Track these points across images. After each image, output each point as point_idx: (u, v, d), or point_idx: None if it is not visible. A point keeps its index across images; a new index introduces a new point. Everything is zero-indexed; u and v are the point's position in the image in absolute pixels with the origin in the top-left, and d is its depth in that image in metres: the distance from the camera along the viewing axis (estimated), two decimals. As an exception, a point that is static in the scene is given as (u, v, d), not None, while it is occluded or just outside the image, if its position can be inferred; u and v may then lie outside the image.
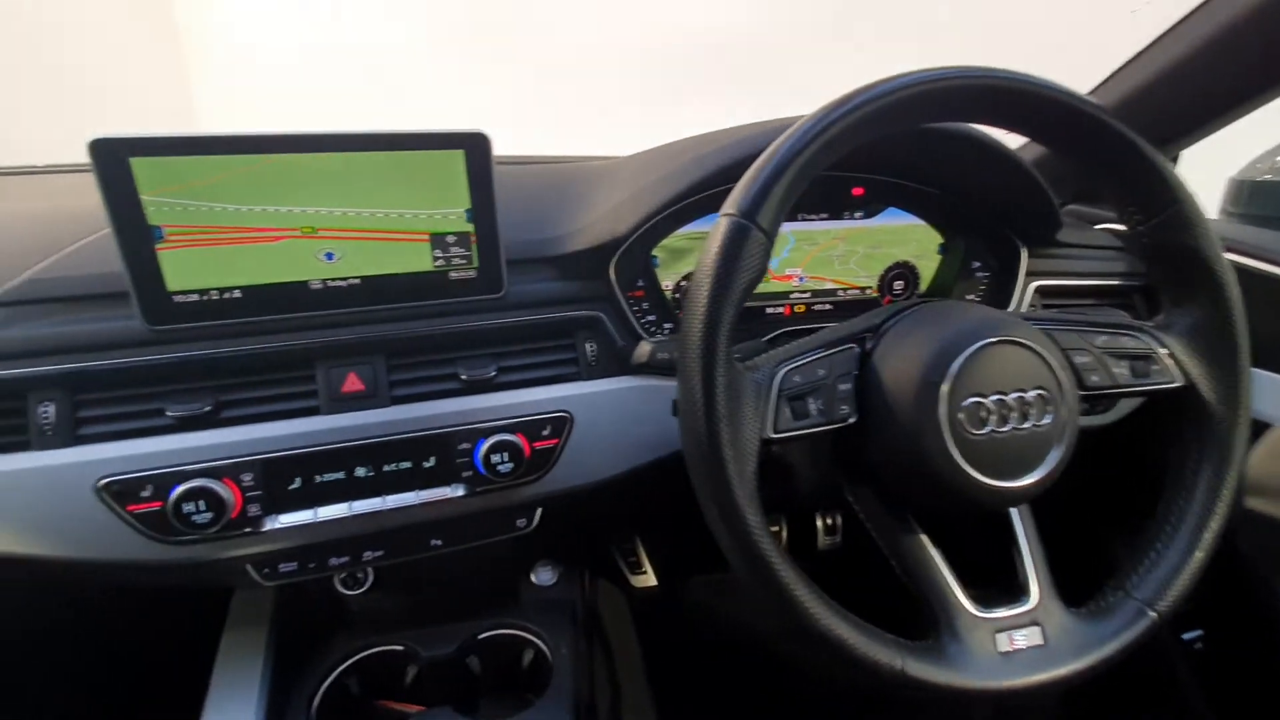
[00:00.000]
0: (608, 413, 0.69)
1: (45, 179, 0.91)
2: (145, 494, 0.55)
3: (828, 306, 0.83)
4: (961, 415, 0.48)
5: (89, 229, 0.61)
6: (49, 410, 0.54)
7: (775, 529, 1.42)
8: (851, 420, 0.51)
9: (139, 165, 0.51)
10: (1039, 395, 0.50)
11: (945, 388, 0.48)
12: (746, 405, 0.47)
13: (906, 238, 0.84)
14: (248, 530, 0.59)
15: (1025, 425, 0.50)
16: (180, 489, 0.55)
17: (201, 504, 0.56)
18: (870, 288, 0.84)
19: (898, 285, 0.85)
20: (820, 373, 0.51)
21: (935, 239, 0.84)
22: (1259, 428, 0.68)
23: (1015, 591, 0.55)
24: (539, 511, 0.73)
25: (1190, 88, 0.76)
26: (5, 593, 0.91)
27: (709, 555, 1.44)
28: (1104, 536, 1.11)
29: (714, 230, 0.47)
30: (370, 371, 0.62)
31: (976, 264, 0.83)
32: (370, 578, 0.78)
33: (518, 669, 0.76)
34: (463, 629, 0.75)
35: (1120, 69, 0.83)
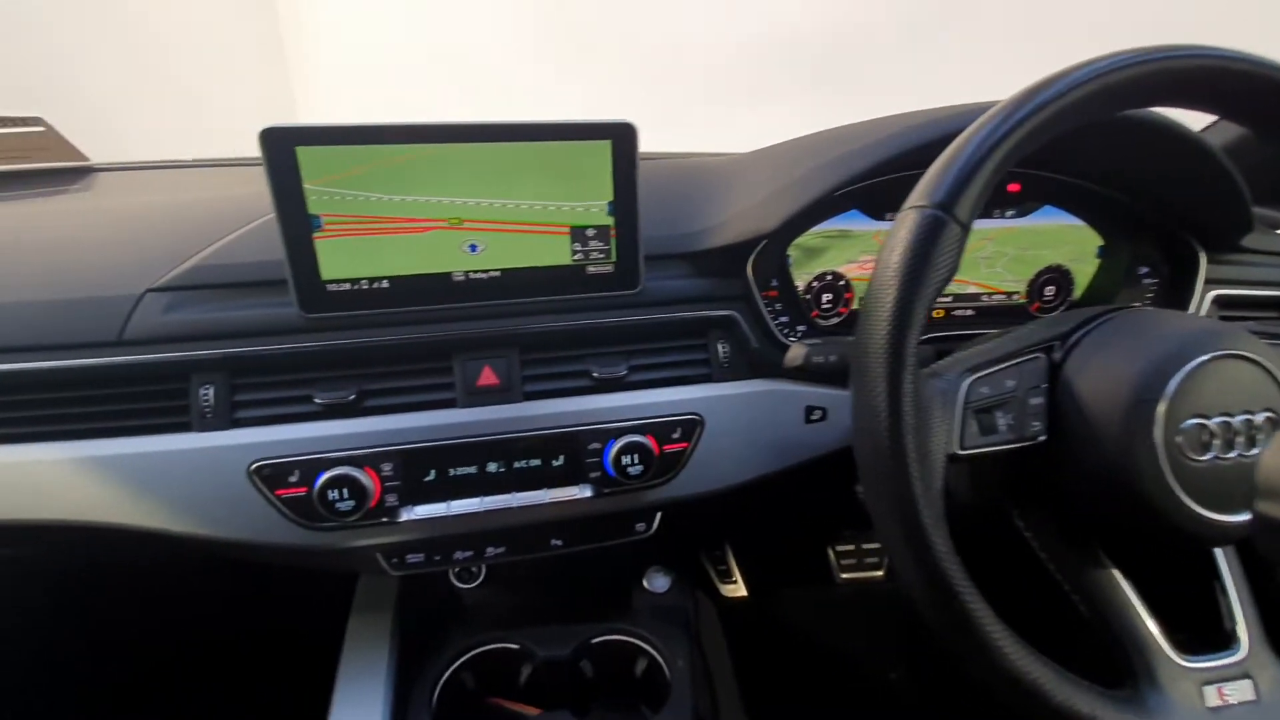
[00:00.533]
0: (738, 416, 0.66)
1: (185, 173, 0.96)
2: (293, 479, 0.56)
3: (969, 312, 0.77)
4: (1180, 439, 0.43)
5: (244, 219, 0.63)
6: (209, 393, 0.56)
7: (876, 546, 1.36)
8: (1041, 439, 0.46)
9: (304, 154, 0.51)
10: (1268, 418, 0.43)
11: (1162, 407, 0.42)
12: (934, 417, 0.43)
13: (1062, 239, 0.77)
14: (384, 520, 0.59)
15: (1252, 453, 0.43)
16: (326, 476, 0.56)
17: (345, 491, 0.56)
18: (1018, 293, 0.78)
19: (1048, 291, 0.78)
20: (1009, 384, 0.46)
21: (1094, 241, 0.77)
22: None
23: (1221, 639, 0.48)
24: (658, 516, 0.71)
25: None
26: (142, 570, 0.97)
27: (801, 567, 1.38)
28: None
29: (900, 223, 0.43)
30: (505, 366, 0.61)
31: (1143, 269, 0.75)
32: (483, 572, 0.78)
33: (630, 676, 0.74)
34: (577, 632, 0.73)
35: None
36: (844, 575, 1.33)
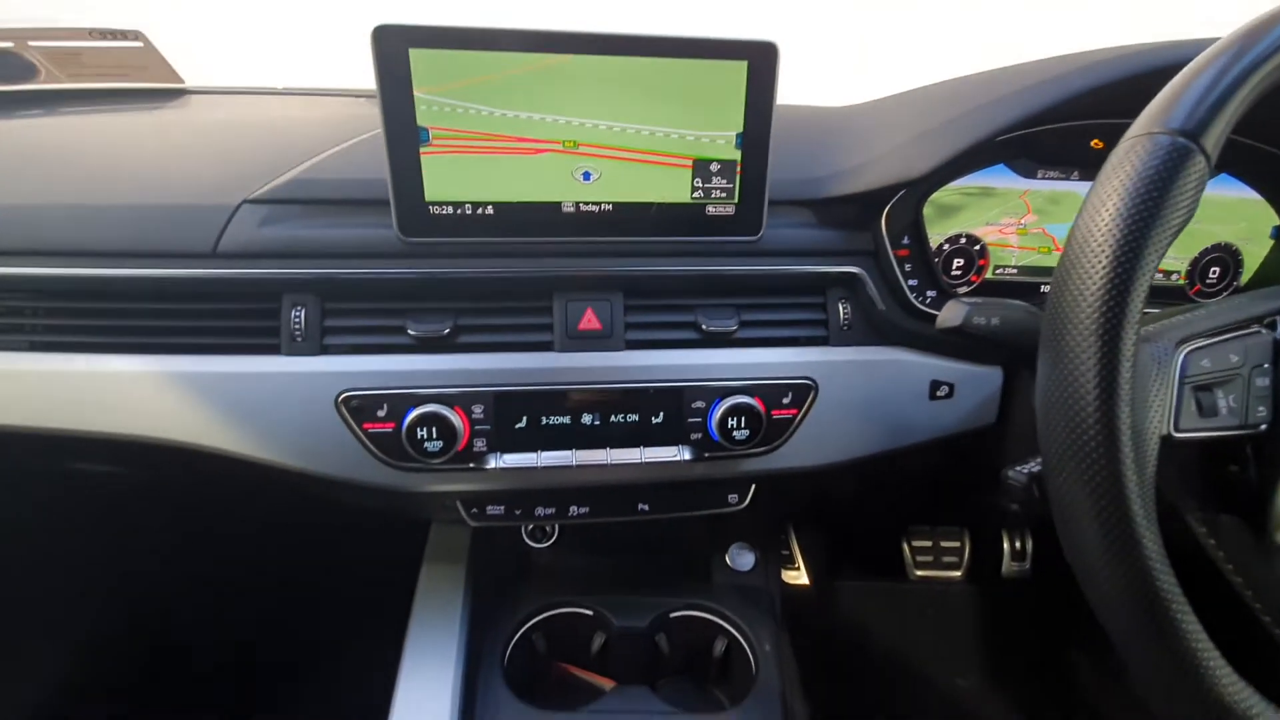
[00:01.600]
0: (855, 385, 0.60)
1: (282, 99, 0.94)
2: (381, 414, 0.53)
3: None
4: None
5: (345, 137, 0.59)
6: (300, 315, 0.53)
7: (956, 544, 1.28)
8: (1263, 428, 0.38)
9: (417, 58, 0.47)
10: None
11: None
12: (1150, 390, 0.36)
13: (1233, 214, 0.67)
14: (471, 465, 0.55)
15: None
16: (415, 413, 0.52)
17: (433, 430, 0.52)
18: (1178, 273, 0.68)
19: (1213, 273, 0.68)
20: (1233, 359, 0.38)
21: (1270, 219, 0.67)
22: None
23: None
24: (753, 489, 0.65)
25: None
26: (221, 510, 0.97)
27: (870, 559, 1.30)
28: None
29: (1127, 153, 0.35)
30: (608, 310, 0.56)
31: (1336, 253, 0.65)
32: (556, 532, 0.74)
33: (707, 656, 0.69)
34: (655, 604, 0.69)
35: None
36: (919, 573, 1.25)
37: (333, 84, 0.89)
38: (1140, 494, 0.33)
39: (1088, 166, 0.62)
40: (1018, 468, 0.49)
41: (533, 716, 0.58)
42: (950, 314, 0.50)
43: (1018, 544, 1.25)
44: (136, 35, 0.83)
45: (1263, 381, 0.38)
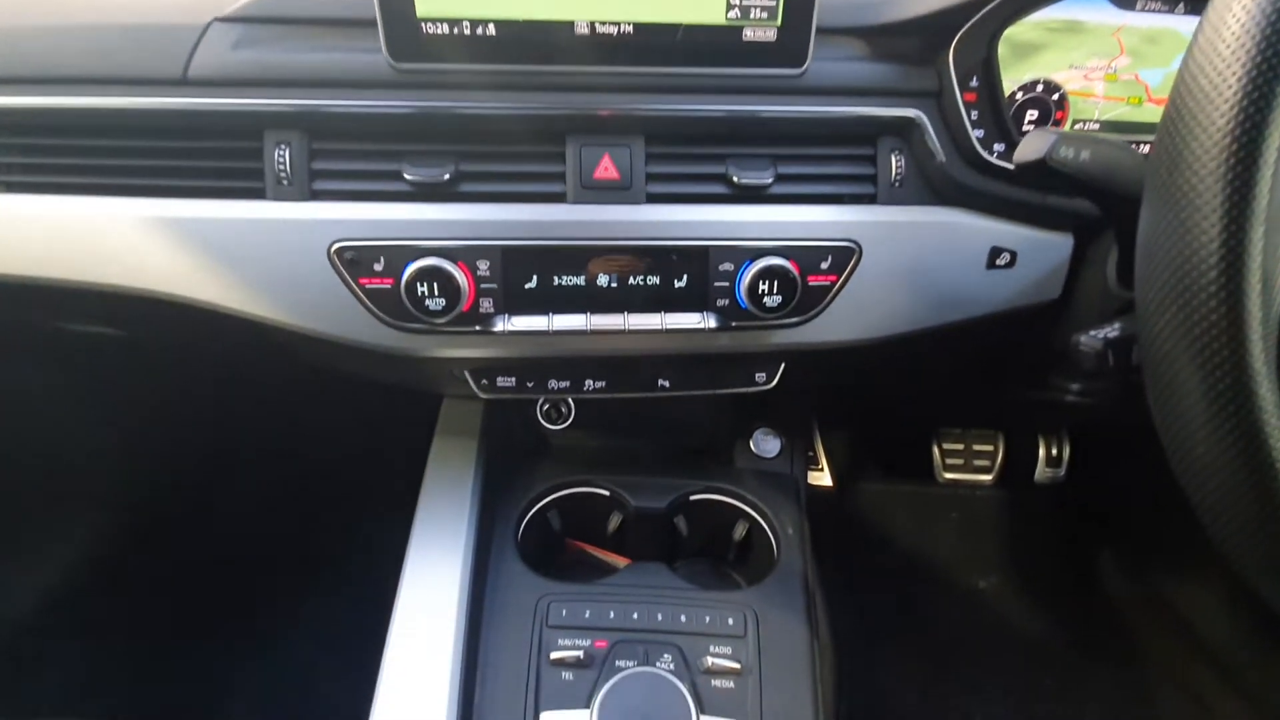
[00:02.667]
0: (904, 250, 0.53)
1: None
2: (378, 267, 0.48)
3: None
4: None
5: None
6: (285, 155, 0.47)
7: (988, 448, 1.23)
8: None
9: None
10: None
11: None
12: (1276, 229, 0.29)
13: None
14: (478, 328, 0.51)
15: None
16: (414, 266, 0.47)
17: (435, 287, 0.48)
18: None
19: None
20: None
21: None
22: None
23: None
24: (782, 368, 0.61)
25: None
26: (228, 379, 0.96)
27: (897, 460, 1.26)
28: None
29: None
30: (627, 156, 0.50)
31: None
32: (572, 413, 0.70)
33: (726, 539, 0.67)
34: (674, 485, 0.66)
35: None
36: (948, 475, 1.22)
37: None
38: (1266, 361, 0.27)
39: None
40: (1091, 332, 0.43)
41: (546, 587, 0.56)
42: (1033, 144, 0.42)
43: (1054, 450, 1.20)
44: None
45: None
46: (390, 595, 0.56)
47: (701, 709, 0.48)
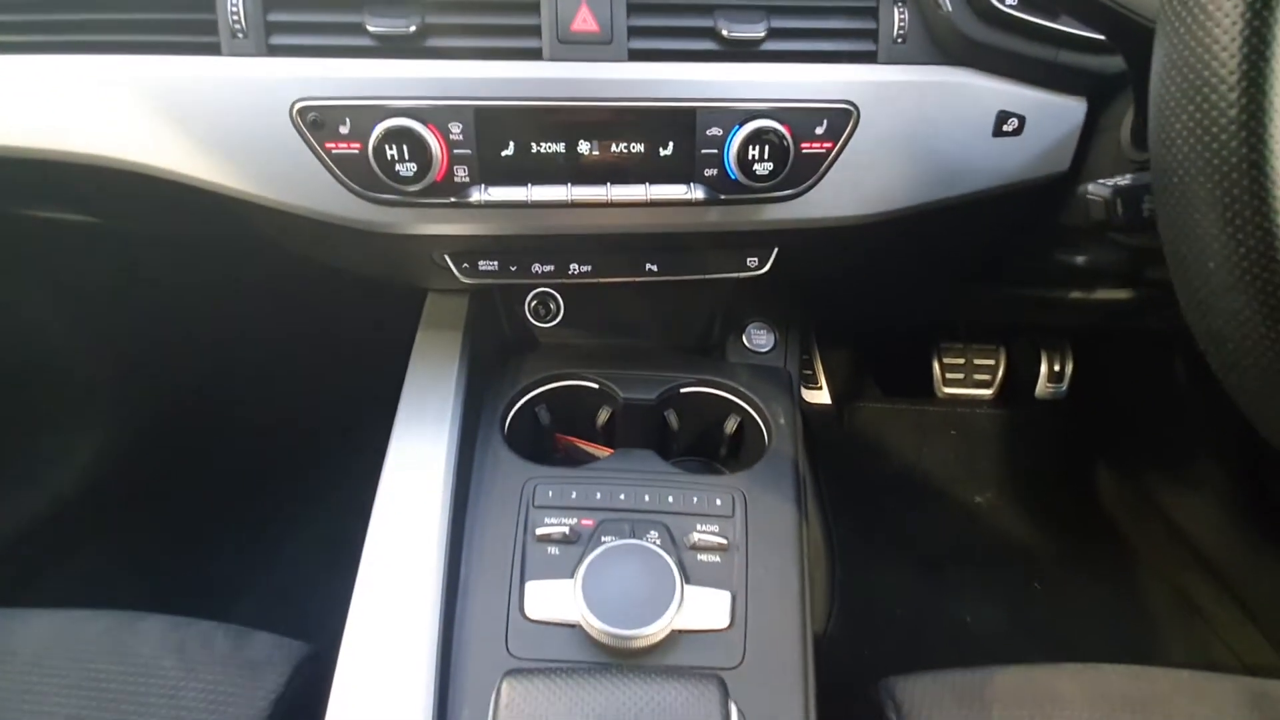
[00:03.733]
0: (906, 114, 0.50)
1: None
2: (344, 130, 0.45)
3: None
4: None
5: None
6: (237, 3, 0.44)
7: (990, 362, 1.22)
8: None
9: None
10: None
11: None
12: None
13: None
14: (453, 199, 0.48)
15: None
16: (381, 127, 0.45)
17: (405, 150, 0.45)
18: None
19: None
20: None
21: None
22: None
23: None
24: (776, 252, 0.58)
25: None
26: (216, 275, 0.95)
27: (896, 376, 1.25)
28: None
29: None
30: (607, 7, 0.46)
31: None
32: (561, 310, 0.69)
33: (717, 434, 0.66)
34: (664, 379, 0.65)
35: None
36: (947, 390, 1.21)
37: None
38: None
39: None
40: (1100, 180, 0.40)
41: (532, 471, 0.56)
42: None
43: (1056, 366, 1.18)
44: None
45: None
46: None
47: (687, 580, 0.48)
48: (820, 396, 1.25)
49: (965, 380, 1.20)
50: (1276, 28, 0.24)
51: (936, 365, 1.20)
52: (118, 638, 0.56)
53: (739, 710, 0.38)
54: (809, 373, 1.25)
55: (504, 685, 0.32)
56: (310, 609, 0.70)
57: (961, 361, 1.20)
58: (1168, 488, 1.11)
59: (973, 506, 1.19)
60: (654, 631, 0.44)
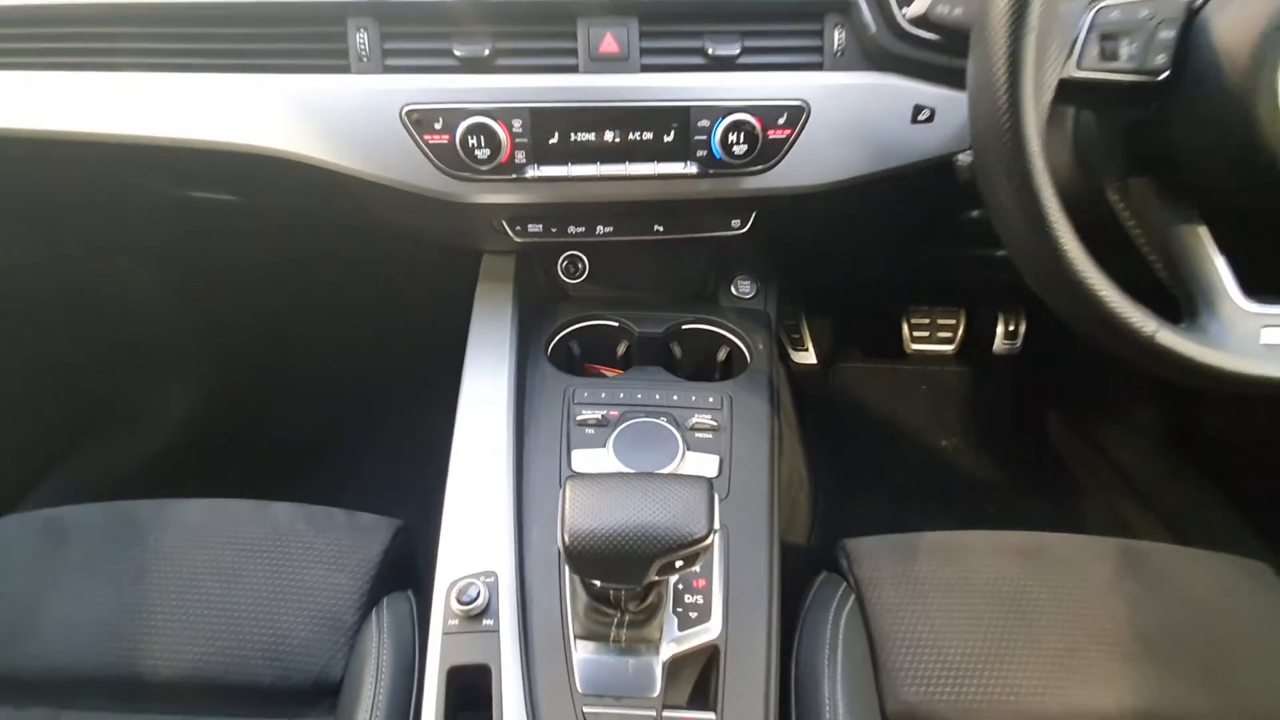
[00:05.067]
0: (845, 108, 0.67)
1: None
2: (438, 126, 0.63)
3: None
4: None
5: None
6: (364, 37, 0.62)
7: (952, 321, 1.39)
8: (1162, 75, 0.46)
9: None
10: None
11: None
12: (1054, 35, 0.44)
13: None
14: (513, 176, 0.66)
15: None
16: (465, 124, 0.63)
17: (482, 139, 0.63)
18: None
19: None
20: (1143, 13, 0.45)
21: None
22: None
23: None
24: (754, 215, 0.76)
25: None
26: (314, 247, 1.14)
27: (872, 338, 1.45)
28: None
29: None
30: (625, 34, 0.64)
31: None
32: (587, 269, 0.86)
33: (712, 362, 0.84)
34: (670, 317, 0.83)
35: None
36: (914, 347, 1.39)
37: None
38: (1034, 117, 0.43)
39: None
40: (966, 150, 0.58)
41: (571, 380, 0.74)
42: (919, 4, 0.56)
43: (1010, 325, 1.36)
44: None
45: (1167, 34, 0.45)
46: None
47: (688, 447, 0.66)
48: (808, 358, 1.43)
49: (930, 338, 1.38)
50: (1025, 53, 0.42)
51: (905, 326, 1.38)
52: (258, 513, 0.75)
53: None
54: (797, 336, 1.43)
55: (567, 486, 0.50)
56: (396, 500, 0.88)
57: (927, 322, 1.38)
58: (1106, 428, 1.29)
59: (939, 449, 1.37)
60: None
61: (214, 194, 0.79)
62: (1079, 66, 0.45)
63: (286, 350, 1.35)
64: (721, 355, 0.84)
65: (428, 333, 1.01)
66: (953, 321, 1.38)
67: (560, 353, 0.83)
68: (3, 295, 1.01)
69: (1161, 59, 0.46)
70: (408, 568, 0.76)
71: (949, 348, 1.38)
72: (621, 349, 0.84)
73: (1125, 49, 0.45)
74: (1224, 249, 0.50)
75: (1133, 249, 0.54)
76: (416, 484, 0.84)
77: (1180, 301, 0.51)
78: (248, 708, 0.64)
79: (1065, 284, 0.46)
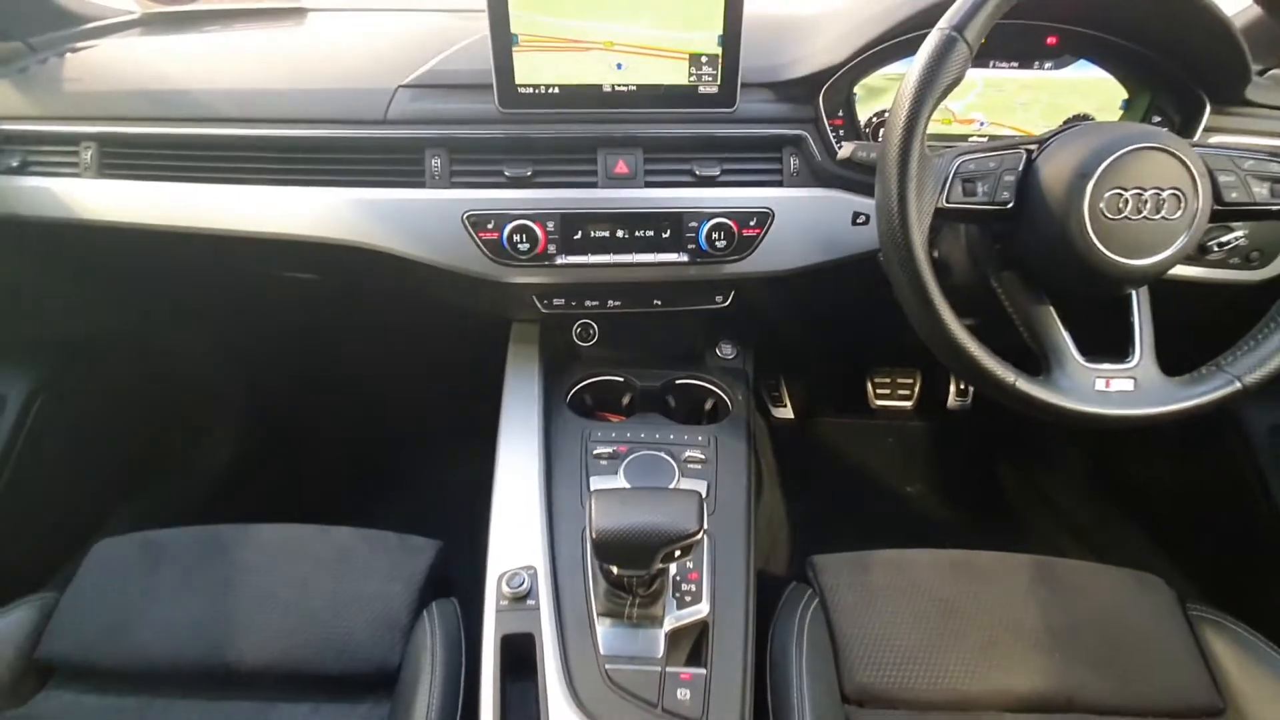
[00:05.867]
0: (801, 214, 0.88)
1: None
2: (490, 226, 0.83)
3: (1001, 151, 0.94)
4: (1102, 204, 0.62)
5: (452, 41, 0.87)
6: (437, 162, 0.83)
7: (910, 380, 1.59)
8: (1009, 205, 0.67)
9: (512, -13, 0.74)
10: (1174, 194, 0.62)
11: (1091, 180, 0.62)
12: (929, 179, 0.64)
13: (1091, 91, 0.91)
14: (545, 263, 0.86)
15: (1156, 216, 0.63)
16: (511, 225, 0.82)
17: (523, 236, 0.83)
18: (1046, 136, 0.94)
19: None
20: (991, 165, 0.66)
21: (1120, 94, 0.91)
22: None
23: (1120, 354, 0.69)
24: (733, 293, 0.96)
25: None
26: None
27: (841, 395, 1.65)
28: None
29: (927, 41, 0.62)
30: (633, 160, 0.85)
31: (1157, 118, 0.90)
32: (597, 335, 1.05)
33: (700, 410, 1.02)
34: (666, 374, 1.01)
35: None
36: (878, 403, 1.57)
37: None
38: (919, 228, 0.62)
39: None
40: None
41: (588, 425, 0.91)
42: (845, 151, 0.78)
43: (961, 384, 1.56)
44: (276, -31, 1.10)
45: (1010, 177, 0.66)
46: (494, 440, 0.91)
47: (682, 475, 0.83)
48: (786, 414, 1.61)
49: (891, 395, 1.57)
50: (909, 191, 0.62)
51: (870, 386, 1.57)
52: (322, 536, 0.90)
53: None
54: (776, 394, 1.62)
55: (594, 497, 0.66)
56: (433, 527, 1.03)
57: (888, 381, 1.57)
58: (1044, 473, 1.47)
59: (903, 493, 1.53)
60: (664, 500, 0.79)
61: (301, 274, 0.98)
62: (947, 200, 0.65)
63: (324, 405, 1.52)
64: (708, 405, 1.01)
65: (458, 388, 1.19)
66: (910, 381, 1.57)
67: (577, 401, 1.00)
68: (91, 357, 1.18)
69: (1007, 195, 0.66)
70: (448, 580, 0.90)
71: (908, 404, 1.57)
72: (626, 399, 1.01)
73: (981, 188, 0.66)
74: (1067, 324, 0.70)
75: (1009, 320, 0.74)
76: (449, 513, 0.99)
77: (1040, 360, 0.70)
78: (317, 693, 0.77)
79: (946, 345, 0.65)
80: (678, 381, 1.01)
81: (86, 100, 0.88)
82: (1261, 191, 0.65)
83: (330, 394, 1.52)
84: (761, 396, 1.62)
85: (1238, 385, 0.65)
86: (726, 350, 1.06)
